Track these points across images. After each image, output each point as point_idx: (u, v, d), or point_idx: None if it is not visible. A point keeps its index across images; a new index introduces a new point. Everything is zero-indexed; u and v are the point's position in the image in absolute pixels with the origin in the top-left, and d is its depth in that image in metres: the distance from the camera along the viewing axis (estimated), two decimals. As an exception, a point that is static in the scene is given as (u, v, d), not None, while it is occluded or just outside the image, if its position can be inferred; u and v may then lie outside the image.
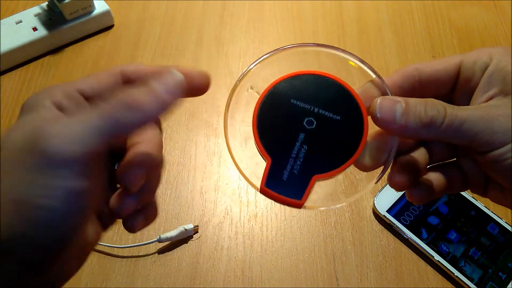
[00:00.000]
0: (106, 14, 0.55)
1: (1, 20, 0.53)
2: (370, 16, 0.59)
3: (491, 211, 0.42)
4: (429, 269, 0.40)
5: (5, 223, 0.18)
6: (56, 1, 0.51)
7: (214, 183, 0.45)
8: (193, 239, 0.41)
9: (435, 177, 0.25)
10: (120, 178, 0.22)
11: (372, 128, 0.24)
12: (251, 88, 0.26)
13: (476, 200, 0.43)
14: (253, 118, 0.24)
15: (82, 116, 0.19)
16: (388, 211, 0.42)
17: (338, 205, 0.25)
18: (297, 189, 0.24)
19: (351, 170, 0.24)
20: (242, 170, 0.25)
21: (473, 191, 0.26)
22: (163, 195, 0.44)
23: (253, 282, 0.39)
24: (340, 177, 0.24)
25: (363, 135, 0.24)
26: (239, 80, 0.26)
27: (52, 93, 0.22)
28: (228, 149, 0.25)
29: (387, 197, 0.43)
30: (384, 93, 0.24)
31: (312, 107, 0.24)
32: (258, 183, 0.24)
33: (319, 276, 0.40)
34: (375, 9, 0.59)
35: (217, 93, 0.52)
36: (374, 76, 0.25)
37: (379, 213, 0.42)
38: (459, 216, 0.42)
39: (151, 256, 0.40)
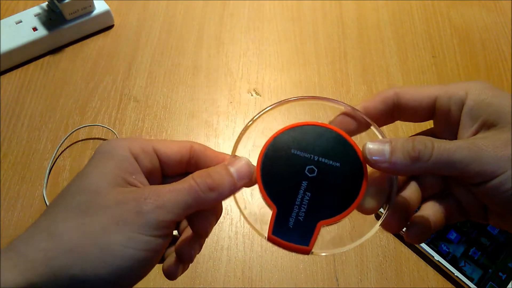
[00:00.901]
0: (106, 14, 0.55)
1: (1, 20, 0.53)
2: (370, 16, 0.59)
3: (491, 211, 0.42)
4: (429, 269, 0.40)
5: (88, 265, 0.20)
6: (56, 1, 0.51)
7: (214, 183, 0.45)
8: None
9: (431, 212, 0.26)
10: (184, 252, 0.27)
11: (371, 172, 0.25)
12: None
13: (476, 200, 0.43)
14: (256, 168, 0.26)
15: (175, 189, 0.22)
16: (388, 211, 0.42)
17: (344, 249, 0.26)
18: (304, 236, 0.24)
19: (355, 214, 0.25)
20: (249, 219, 0.26)
21: (474, 219, 0.26)
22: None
23: (253, 282, 0.39)
24: (345, 221, 0.25)
25: (363, 179, 0.25)
26: (241, 134, 0.27)
27: (132, 145, 0.24)
28: (235, 200, 0.26)
29: (387, 197, 0.43)
30: (358, 123, 0.26)
31: (312, 156, 0.25)
32: (265, 232, 0.24)
33: (319, 276, 0.40)
34: (375, 9, 0.59)
35: (217, 93, 0.52)
36: (344, 107, 0.27)
37: (379, 213, 0.42)
38: (459, 216, 0.42)
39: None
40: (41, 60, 0.54)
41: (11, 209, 0.43)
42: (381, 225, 0.26)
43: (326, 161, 0.25)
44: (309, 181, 0.25)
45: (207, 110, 0.50)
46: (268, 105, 0.28)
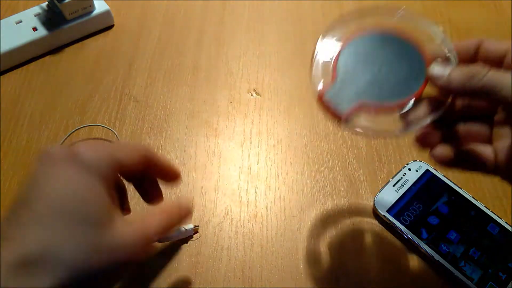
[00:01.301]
0: (106, 14, 0.55)
1: (1, 20, 0.53)
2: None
3: (491, 211, 0.42)
4: (429, 269, 0.40)
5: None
6: (56, 1, 0.51)
7: (214, 183, 0.45)
8: (193, 239, 0.41)
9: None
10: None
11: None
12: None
13: (476, 200, 0.43)
14: (339, 49, 0.30)
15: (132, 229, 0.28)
16: (388, 211, 0.42)
17: (372, 131, 0.29)
18: (344, 107, 0.28)
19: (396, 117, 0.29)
20: (314, 79, 0.30)
21: (502, 175, 0.29)
22: (163, 195, 0.44)
23: (253, 282, 0.39)
24: (384, 120, 0.29)
25: (419, 90, 0.28)
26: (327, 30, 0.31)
27: (109, 159, 0.30)
28: (311, 63, 0.30)
29: (387, 197, 0.43)
30: (449, 57, 0.29)
31: (388, 58, 0.29)
32: (318, 91, 0.29)
33: (319, 276, 0.40)
34: (375, 9, 0.59)
35: (217, 93, 0.52)
36: (443, 38, 0.30)
37: (379, 213, 0.42)
38: (459, 216, 0.42)
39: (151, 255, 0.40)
40: (41, 60, 0.54)
41: (11, 209, 0.43)
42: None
43: (396, 66, 0.29)
44: (374, 76, 0.29)
45: (207, 110, 0.50)
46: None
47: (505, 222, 0.41)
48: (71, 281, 0.24)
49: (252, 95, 0.51)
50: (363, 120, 0.29)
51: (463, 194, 0.43)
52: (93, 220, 0.26)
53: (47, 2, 0.53)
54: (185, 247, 0.41)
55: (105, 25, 0.56)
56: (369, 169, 0.46)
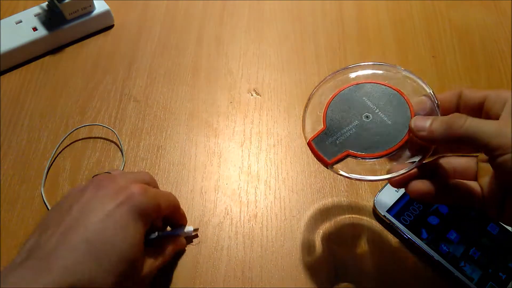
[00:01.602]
0: (106, 14, 0.55)
1: (1, 20, 0.53)
2: (370, 16, 0.59)
3: (491, 211, 0.42)
4: (429, 269, 0.40)
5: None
6: (56, 1, 0.51)
7: (214, 183, 0.45)
8: (192, 243, 0.41)
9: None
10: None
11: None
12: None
13: (476, 200, 0.43)
14: (330, 98, 0.33)
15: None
16: (388, 211, 0.42)
17: (357, 177, 0.31)
18: (331, 154, 0.31)
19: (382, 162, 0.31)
20: (305, 125, 0.33)
21: (488, 211, 0.30)
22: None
23: (253, 282, 0.39)
24: (368, 165, 0.31)
25: (402, 140, 0.30)
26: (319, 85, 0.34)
27: (157, 211, 0.35)
28: (303, 116, 0.33)
29: (387, 197, 0.43)
30: (433, 107, 0.31)
31: (375, 107, 0.32)
32: (309, 137, 0.32)
33: (319, 277, 0.40)
34: (375, 9, 0.59)
35: (217, 93, 0.52)
36: (428, 91, 0.32)
37: (379, 213, 0.42)
38: (459, 216, 0.42)
39: (151, 256, 0.41)
40: (41, 60, 0.54)
41: (11, 209, 0.43)
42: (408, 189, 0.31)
43: (382, 115, 0.31)
44: (360, 123, 0.31)
45: (207, 110, 0.50)
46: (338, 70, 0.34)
47: (505, 222, 0.41)
48: None
49: (252, 95, 0.51)
50: (347, 166, 0.31)
51: (463, 194, 0.43)
52: (127, 255, 0.30)
53: (47, 2, 0.53)
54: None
55: (105, 25, 0.56)
56: (369, 169, 0.46)
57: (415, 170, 0.31)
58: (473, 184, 0.31)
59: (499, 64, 0.54)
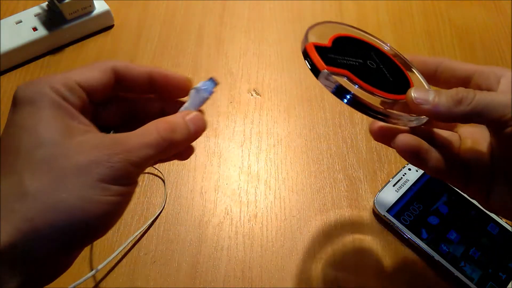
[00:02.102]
0: (106, 14, 0.55)
1: (1, 20, 0.53)
2: (370, 16, 0.59)
3: (491, 211, 0.42)
4: (429, 269, 0.40)
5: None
6: (56, 1, 0.51)
7: (214, 183, 0.45)
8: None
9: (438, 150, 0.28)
10: None
11: None
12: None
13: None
14: (343, 33, 0.30)
15: (143, 144, 0.23)
16: (388, 211, 0.42)
17: (355, 88, 0.27)
18: (330, 62, 0.27)
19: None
20: (309, 31, 0.29)
21: (473, 195, 0.28)
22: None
23: (253, 282, 0.39)
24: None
25: (401, 96, 0.27)
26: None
27: (53, 86, 0.23)
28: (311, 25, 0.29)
29: (387, 197, 0.43)
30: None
31: (380, 63, 0.29)
32: (312, 41, 0.28)
33: (319, 276, 0.40)
34: (375, 9, 0.59)
35: (217, 93, 0.51)
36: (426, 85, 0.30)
37: (379, 213, 0.42)
38: (459, 216, 0.42)
39: (151, 255, 0.40)
40: (41, 60, 0.54)
41: (11, 209, 0.43)
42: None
43: (385, 71, 0.29)
44: (364, 63, 0.29)
45: (207, 110, 0.50)
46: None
47: (505, 222, 0.41)
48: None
49: (252, 95, 0.51)
50: (345, 83, 0.26)
51: (463, 194, 0.43)
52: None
53: (47, 2, 0.53)
54: (185, 247, 0.41)
55: (105, 25, 0.56)
56: (369, 169, 0.46)
57: (406, 128, 0.28)
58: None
59: (499, 64, 0.54)
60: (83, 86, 0.24)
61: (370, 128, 0.29)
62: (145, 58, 0.54)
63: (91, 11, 0.54)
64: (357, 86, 0.27)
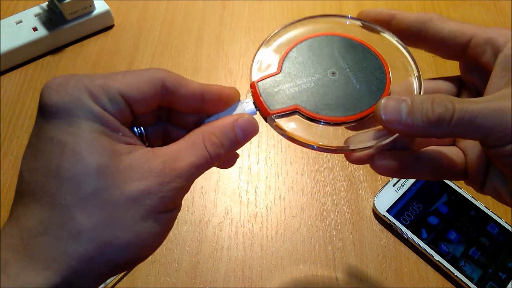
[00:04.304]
0: (106, 14, 0.55)
1: (1, 20, 0.53)
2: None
3: (491, 211, 0.42)
4: (429, 269, 0.40)
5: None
6: (56, 1, 0.51)
7: (214, 183, 0.45)
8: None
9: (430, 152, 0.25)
10: None
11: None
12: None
13: (476, 200, 0.43)
14: (295, 43, 0.26)
15: (190, 162, 0.21)
16: (388, 211, 0.42)
17: (299, 136, 0.24)
18: (276, 103, 0.24)
19: (339, 132, 0.25)
20: (254, 63, 0.26)
21: (469, 183, 0.25)
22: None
23: (253, 282, 0.39)
24: (319, 129, 0.24)
25: (366, 111, 0.24)
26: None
27: (92, 93, 0.20)
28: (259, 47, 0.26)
29: (387, 197, 0.43)
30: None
31: (345, 66, 0.25)
32: (256, 78, 0.25)
33: (319, 276, 0.40)
34: (375, 9, 0.59)
35: (217, 93, 0.52)
36: (416, 73, 0.25)
37: (379, 213, 0.42)
38: (459, 216, 0.42)
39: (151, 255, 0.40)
40: (41, 60, 0.54)
41: (11, 209, 0.43)
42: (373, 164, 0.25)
43: (351, 76, 0.25)
44: (322, 78, 0.25)
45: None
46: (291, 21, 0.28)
47: (505, 222, 0.41)
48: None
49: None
50: (292, 125, 0.24)
51: (463, 194, 0.43)
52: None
53: (47, 2, 0.53)
54: (185, 247, 0.41)
55: (105, 25, 0.56)
56: (369, 169, 0.46)
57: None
58: (452, 151, 0.25)
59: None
60: (126, 97, 0.21)
61: (346, 157, 0.26)
62: (145, 58, 0.54)
63: (91, 11, 0.54)
64: (310, 119, 0.24)
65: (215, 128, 0.23)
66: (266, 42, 0.26)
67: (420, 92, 0.24)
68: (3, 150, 0.47)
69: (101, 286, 0.39)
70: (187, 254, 0.41)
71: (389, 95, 0.24)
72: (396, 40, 0.26)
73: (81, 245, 0.19)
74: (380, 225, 0.42)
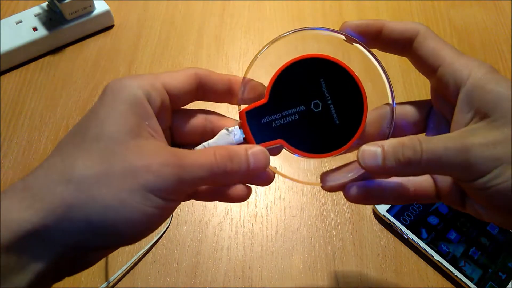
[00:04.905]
0: (106, 14, 0.55)
1: (1, 20, 0.53)
2: (370, 16, 0.59)
3: (491, 211, 0.42)
4: (429, 269, 0.40)
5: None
6: (56, 1, 0.51)
7: (214, 183, 0.45)
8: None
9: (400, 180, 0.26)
10: None
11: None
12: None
13: (476, 200, 0.43)
14: (284, 64, 0.26)
15: (197, 163, 0.22)
16: (388, 211, 0.42)
17: (280, 172, 0.26)
18: (262, 136, 0.25)
19: (314, 164, 0.27)
20: (240, 92, 0.27)
21: (448, 203, 0.26)
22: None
23: (253, 282, 0.39)
24: (302, 164, 0.26)
25: (341, 149, 0.26)
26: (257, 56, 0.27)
27: (141, 83, 0.23)
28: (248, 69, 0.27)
29: (387, 197, 0.43)
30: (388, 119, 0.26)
31: (328, 97, 0.25)
32: (243, 106, 0.26)
33: (319, 276, 0.40)
34: (375, 9, 0.59)
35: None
36: (390, 100, 0.26)
37: (379, 213, 0.42)
38: (459, 216, 0.42)
39: (151, 255, 0.41)
40: (41, 60, 0.54)
41: (11, 209, 0.43)
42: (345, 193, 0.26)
43: (332, 111, 0.25)
44: (306, 110, 0.25)
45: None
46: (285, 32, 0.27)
47: (505, 222, 0.41)
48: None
49: (252, 95, 0.51)
50: (276, 157, 0.26)
51: (463, 194, 0.43)
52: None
53: (47, 2, 0.53)
54: (185, 247, 0.41)
55: (105, 25, 0.56)
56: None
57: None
58: (421, 178, 0.26)
59: (499, 64, 0.54)
60: (168, 88, 0.24)
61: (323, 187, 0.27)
62: (145, 58, 0.54)
63: (91, 11, 0.54)
64: (295, 155, 0.26)
65: (227, 147, 0.24)
66: (254, 61, 0.26)
67: (392, 122, 0.26)
68: (3, 150, 0.47)
69: (103, 285, 0.39)
70: (187, 254, 0.41)
71: (364, 127, 0.26)
72: (377, 62, 0.26)
73: (66, 190, 0.20)
74: (380, 225, 0.42)
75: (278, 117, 0.25)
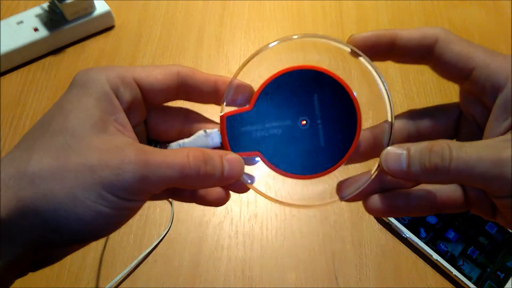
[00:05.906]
0: (106, 15, 0.55)
1: (2, 21, 0.53)
2: (370, 16, 0.59)
3: (490, 211, 0.42)
4: (428, 268, 0.40)
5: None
6: (57, 2, 0.51)
7: (214, 183, 0.45)
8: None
9: (432, 189, 0.24)
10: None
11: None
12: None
13: (475, 200, 0.43)
14: (278, 72, 0.24)
15: (166, 163, 0.21)
16: (387, 210, 0.42)
17: (255, 187, 0.24)
18: (239, 145, 0.24)
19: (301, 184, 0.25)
20: (225, 94, 0.25)
21: (478, 214, 0.24)
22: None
23: (253, 282, 0.40)
24: (282, 181, 0.25)
25: (322, 173, 0.24)
26: (247, 60, 0.25)
27: (109, 76, 0.22)
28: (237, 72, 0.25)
29: (386, 196, 0.43)
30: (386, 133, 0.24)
31: (319, 115, 0.23)
32: (226, 110, 0.24)
33: (319, 276, 0.40)
34: (375, 9, 0.59)
35: (217, 93, 0.52)
36: (390, 119, 0.24)
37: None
38: (458, 215, 0.42)
39: (151, 255, 0.41)
40: (42, 60, 0.54)
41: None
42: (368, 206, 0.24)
43: (320, 130, 0.23)
44: (292, 125, 0.23)
45: (207, 110, 0.50)
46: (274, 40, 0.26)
47: (504, 222, 0.42)
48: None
49: (252, 95, 0.52)
50: (251, 170, 0.24)
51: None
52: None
53: (48, 3, 0.53)
54: (185, 246, 0.41)
55: (106, 26, 0.56)
56: (369, 168, 0.46)
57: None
58: (451, 187, 0.24)
59: (498, 64, 0.54)
60: (140, 83, 0.23)
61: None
62: (146, 59, 0.54)
63: (92, 12, 0.54)
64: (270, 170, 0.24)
65: (202, 149, 0.22)
66: (247, 63, 0.24)
67: (388, 143, 0.23)
68: (4, 151, 0.47)
69: (106, 286, 0.39)
70: (188, 254, 0.41)
71: (356, 147, 0.24)
72: (380, 79, 0.24)
73: (19, 184, 0.19)
74: (379, 225, 0.43)
75: (260, 127, 0.23)
